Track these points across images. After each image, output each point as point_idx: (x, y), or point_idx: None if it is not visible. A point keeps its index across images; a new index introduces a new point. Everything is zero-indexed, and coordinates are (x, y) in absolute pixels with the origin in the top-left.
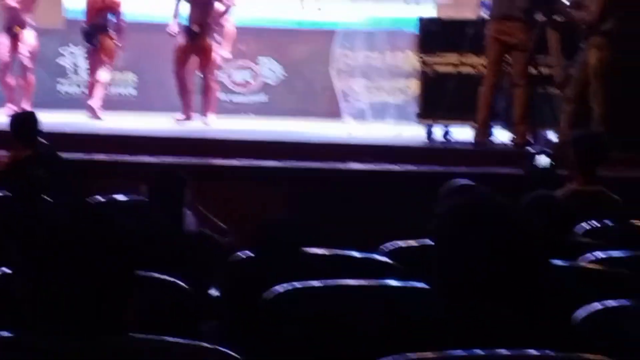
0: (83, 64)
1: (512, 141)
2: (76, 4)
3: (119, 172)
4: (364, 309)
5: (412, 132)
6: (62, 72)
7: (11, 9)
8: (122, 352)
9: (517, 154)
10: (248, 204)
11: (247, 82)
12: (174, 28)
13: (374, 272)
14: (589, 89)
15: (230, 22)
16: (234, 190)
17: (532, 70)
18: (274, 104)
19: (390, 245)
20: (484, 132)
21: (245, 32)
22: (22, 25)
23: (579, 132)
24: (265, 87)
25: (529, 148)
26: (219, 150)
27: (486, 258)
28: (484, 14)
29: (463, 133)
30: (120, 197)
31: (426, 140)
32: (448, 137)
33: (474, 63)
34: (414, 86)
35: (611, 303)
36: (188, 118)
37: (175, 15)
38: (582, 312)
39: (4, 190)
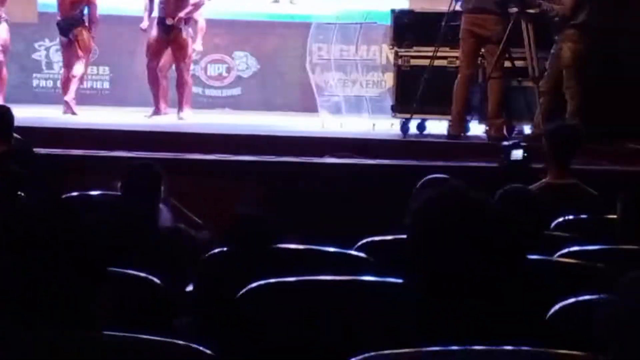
0: (57, 59)
1: (487, 134)
2: None
3: (94, 167)
4: (338, 304)
5: (387, 126)
6: (36, 66)
7: None
8: (93, 348)
9: (492, 147)
10: (223, 199)
11: (222, 76)
12: (146, 23)
13: (349, 268)
14: (563, 82)
15: (202, 17)
16: (209, 185)
17: (507, 63)
18: (249, 97)
19: (365, 240)
20: (459, 126)
21: (220, 26)
22: None
23: (553, 124)
24: (240, 81)
25: (504, 141)
26: (194, 145)
27: (460, 252)
28: (458, 6)
29: (438, 126)
30: (95, 193)
31: (401, 134)
32: (423, 130)
33: (448, 56)
34: (388, 79)
35: (586, 297)
36: (158, 112)
37: (147, 10)
38: (556, 307)
39: None
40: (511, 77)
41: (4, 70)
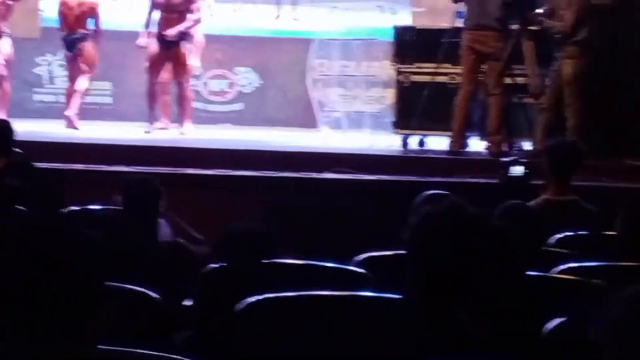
0: (59, 73)
1: (487, 150)
2: (52, 13)
3: (94, 181)
4: (337, 320)
5: (387, 142)
6: (38, 81)
7: None
8: None
9: (492, 163)
10: (223, 214)
11: (224, 92)
12: (143, 40)
13: (348, 283)
14: (563, 98)
15: (200, 33)
16: (209, 200)
17: (507, 80)
18: (250, 113)
19: (364, 255)
20: (459, 142)
21: (222, 41)
22: None
23: (553, 141)
24: (242, 97)
25: (504, 158)
26: (194, 160)
27: (458, 268)
28: (459, 23)
29: (438, 142)
30: (95, 207)
31: (402, 150)
32: (423, 146)
33: (449, 72)
34: (390, 95)
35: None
36: (154, 127)
37: (146, 26)
38: (552, 323)
39: None
40: (512, 93)
41: (7, 85)
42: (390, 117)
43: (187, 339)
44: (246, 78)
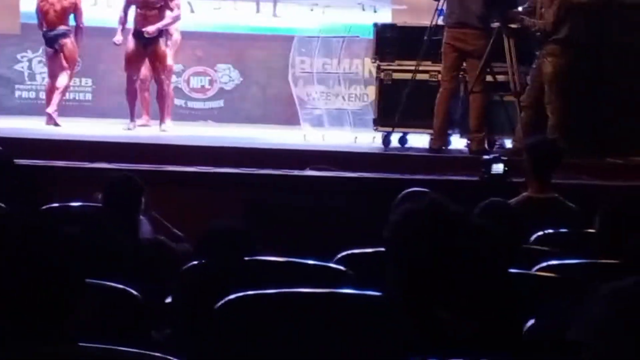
0: (40, 70)
1: (468, 148)
2: (29, 8)
3: (75, 178)
4: (317, 317)
5: (369, 139)
6: (19, 78)
7: None
8: None
9: (473, 161)
10: (204, 211)
11: (205, 88)
12: (119, 37)
13: (329, 280)
14: (544, 96)
15: (178, 31)
16: (190, 197)
17: (488, 78)
18: (231, 110)
19: (345, 252)
20: (440, 139)
21: (202, 38)
22: None
23: (533, 138)
24: (223, 93)
25: (485, 155)
26: (175, 157)
27: (438, 265)
28: (440, 20)
29: (420, 140)
30: (76, 204)
31: (383, 147)
32: (405, 144)
33: (430, 70)
34: (371, 93)
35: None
36: (133, 122)
37: (122, 23)
38: (533, 320)
39: None
40: (493, 91)
41: None
42: (371, 115)
43: (168, 336)
44: (227, 75)
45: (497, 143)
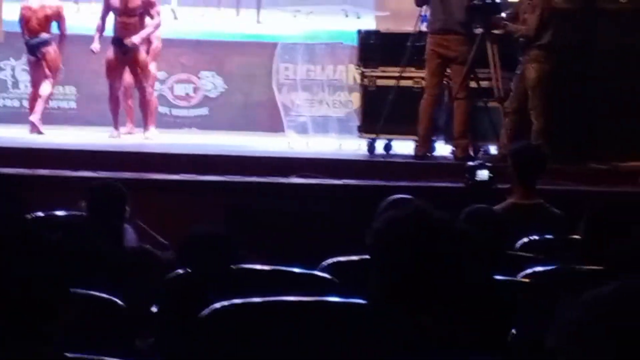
0: (23, 78)
1: (453, 154)
2: (12, 16)
3: (59, 187)
4: (303, 325)
5: (353, 146)
6: (2, 86)
7: None
8: None
9: (457, 167)
10: (189, 219)
11: (189, 96)
12: (97, 45)
13: (314, 288)
14: (528, 102)
15: (158, 38)
16: (175, 205)
17: (472, 84)
18: (216, 117)
19: (330, 260)
20: (425, 146)
21: (186, 46)
22: None
23: (517, 144)
24: (207, 101)
25: (469, 162)
26: (159, 165)
27: (422, 272)
28: (424, 27)
29: (405, 146)
30: (60, 213)
31: (368, 154)
32: (390, 150)
33: (414, 76)
34: (355, 100)
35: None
36: (117, 130)
37: (99, 30)
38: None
39: None
40: (477, 97)
41: None
42: (356, 121)
43: (151, 345)
44: (211, 82)
45: (481, 149)
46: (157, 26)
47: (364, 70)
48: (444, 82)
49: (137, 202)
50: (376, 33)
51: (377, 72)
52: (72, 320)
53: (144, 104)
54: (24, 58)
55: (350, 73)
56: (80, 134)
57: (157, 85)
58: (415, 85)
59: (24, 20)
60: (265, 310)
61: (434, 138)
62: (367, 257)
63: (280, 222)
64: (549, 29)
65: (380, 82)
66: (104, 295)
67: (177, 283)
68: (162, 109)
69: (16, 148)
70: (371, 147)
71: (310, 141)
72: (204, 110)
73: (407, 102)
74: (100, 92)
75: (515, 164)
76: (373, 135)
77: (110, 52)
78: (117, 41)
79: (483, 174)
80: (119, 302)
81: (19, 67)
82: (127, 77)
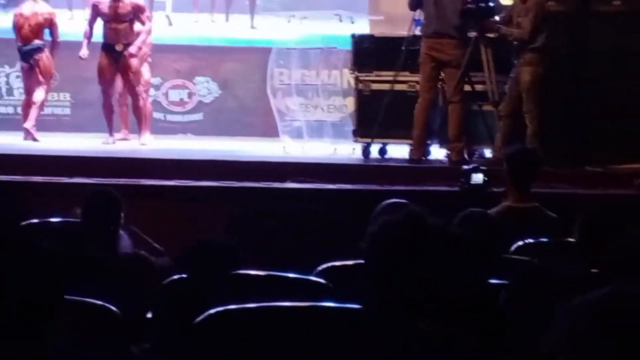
0: (17, 85)
1: (447, 158)
2: (6, 23)
3: (54, 193)
4: (298, 330)
5: (348, 150)
6: None
7: None
8: None
9: (452, 171)
10: (184, 225)
11: (184, 102)
12: (85, 52)
13: (309, 294)
14: (522, 105)
15: (147, 44)
16: (170, 211)
17: (466, 87)
18: (211, 123)
19: (326, 265)
20: (419, 150)
21: (181, 51)
22: None
23: (512, 148)
24: (202, 106)
25: (464, 165)
26: (154, 171)
27: (416, 276)
28: (417, 31)
29: (400, 150)
30: (55, 220)
31: (362, 158)
32: (385, 154)
33: (408, 80)
34: (350, 104)
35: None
36: (112, 137)
37: (87, 37)
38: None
39: None
40: (471, 101)
41: None
42: (350, 126)
43: (147, 351)
44: (206, 88)
45: (476, 153)
46: (149, 32)
47: (359, 74)
48: (439, 85)
49: (131, 208)
50: (370, 37)
51: (372, 77)
52: (67, 326)
53: (138, 109)
54: (18, 65)
55: (345, 77)
56: (75, 140)
57: (151, 91)
58: (410, 89)
59: (17, 27)
60: (260, 315)
61: (428, 142)
62: (362, 261)
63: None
64: (543, 32)
65: (374, 86)
66: (99, 302)
67: (172, 289)
68: (157, 115)
69: (11, 155)
70: (366, 152)
71: (305, 146)
72: (198, 116)
73: (402, 106)
74: (94, 98)
75: (510, 167)
76: (368, 140)
77: (101, 59)
78: (108, 47)
79: (478, 178)
80: (114, 308)
81: (13, 74)
82: (121, 83)
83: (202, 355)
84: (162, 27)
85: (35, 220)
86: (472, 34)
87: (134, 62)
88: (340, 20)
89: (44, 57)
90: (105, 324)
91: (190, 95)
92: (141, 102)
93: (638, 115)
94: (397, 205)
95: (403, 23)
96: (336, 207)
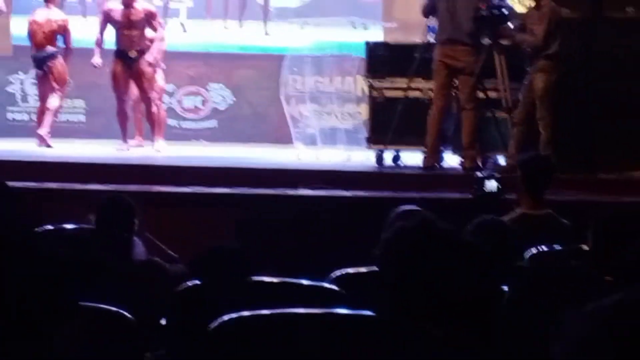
0: (32, 91)
1: (461, 165)
2: (23, 30)
3: (68, 200)
4: (311, 337)
5: (362, 157)
6: (11, 99)
7: None
8: None
9: (466, 178)
10: (198, 232)
11: (198, 109)
12: (99, 60)
13: (323, 300)
14: (536, 112)
15: (160, 51)
16: (184, 218)
17: (480, 94)
18: (224, 130)
19: (339, 272)
20: (433, 157)
21: (195, 58)
22: None
23: (525, 155)
24: (216, 113)
25: (477, 172)
26: (168, 177)
27: (429, 284)
28: (431, 38)
29: (413, 157)
30: (69, 226)
31: (376, 165)
32: (398, 161)
33: (422, 87)
34: (364, 111)
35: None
36: (126, 143)
37: (99, 44)
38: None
39: None
40: (484, 108)
41: None
42: (364, 133)
43: (161, 357)
44: (220, 95)
45: (489, 160)
46: (162, 39)
47: (372, 81)
48: (452, 93)
49: (146, 215)
50: (384, 44)
51: (385, 84)
52: (81, 332)
53: (151, 116)
54: (33, 72)
55: (359, 84)
56: (89, 147)
57: (165, 98)
58: (423, 97)
59: (31, 35)
60: (274, 322)
61: (442, 149)
62: (375, 268)
63: (288, 234)
64: (556, 39)
65: (388, 93)
66: (113, 309)
67: (186, 296)
68: (171, 122)
69: (25, 162)
70: (379, 159)
71: (318, 153)
72: (212, 123)
73: (415, 113)
74: (109, 105)
75: (523, 174)
76: (381, 147)
77: (115, 66)
78: (122, 54)
79: (491, 185)
80: (128, 314)
81: (27, 81)
82: (135, 89)
83: None
84: (176, 34)
85: (49, 227)
86: (486, 41)
87: (147, 68)
88: (354, 27)
89: (58, 63)
90: (119, 330)
91: (204, 102)
92: (154, 109)
93: None
94: (411, 212)
95: (417, 30)
96: (349, 214)
